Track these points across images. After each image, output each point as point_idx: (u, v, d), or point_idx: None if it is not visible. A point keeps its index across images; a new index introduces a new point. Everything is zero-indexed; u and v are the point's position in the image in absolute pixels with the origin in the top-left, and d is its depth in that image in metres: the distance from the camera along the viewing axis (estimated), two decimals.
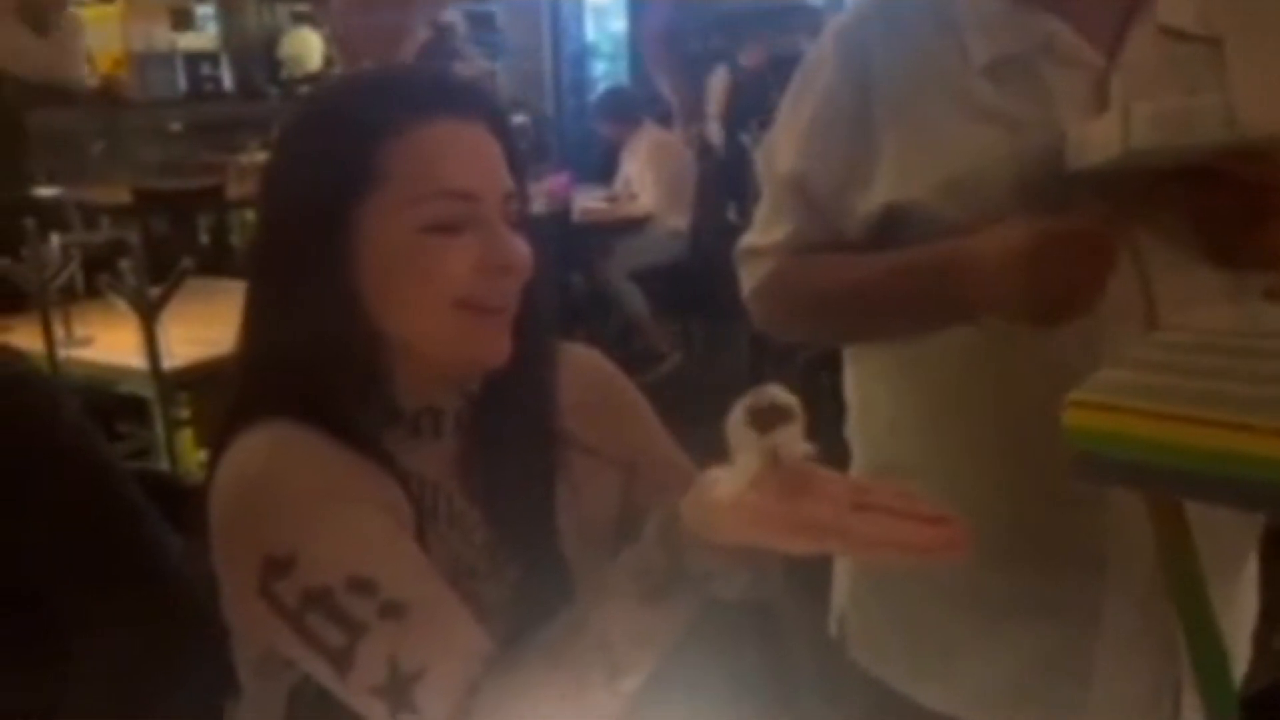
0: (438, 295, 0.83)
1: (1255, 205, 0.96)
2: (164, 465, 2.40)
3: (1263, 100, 0.96)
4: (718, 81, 5.80)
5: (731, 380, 4.54)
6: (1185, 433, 0.75)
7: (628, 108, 5.37)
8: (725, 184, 5.18)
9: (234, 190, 4.82)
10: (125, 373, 2.49)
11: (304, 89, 5.81)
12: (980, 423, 1.07)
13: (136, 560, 1.10)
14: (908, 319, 1.07)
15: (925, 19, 1.06)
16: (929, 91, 1.04)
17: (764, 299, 1.16)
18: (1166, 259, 1.00)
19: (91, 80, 4.84)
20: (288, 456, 0.81)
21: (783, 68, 1.21)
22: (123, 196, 4.52)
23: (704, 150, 5.62)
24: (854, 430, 1.21)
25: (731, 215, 5.16)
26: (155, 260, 2.36)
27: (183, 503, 1.06)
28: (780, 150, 1.14)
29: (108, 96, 5.40)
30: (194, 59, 6.07)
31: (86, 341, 2.64)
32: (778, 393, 0.65)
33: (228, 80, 6.29)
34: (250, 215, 4.69)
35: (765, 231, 1.15)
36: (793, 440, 0.64)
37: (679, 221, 5.07)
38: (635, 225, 5.11)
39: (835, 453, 0.69)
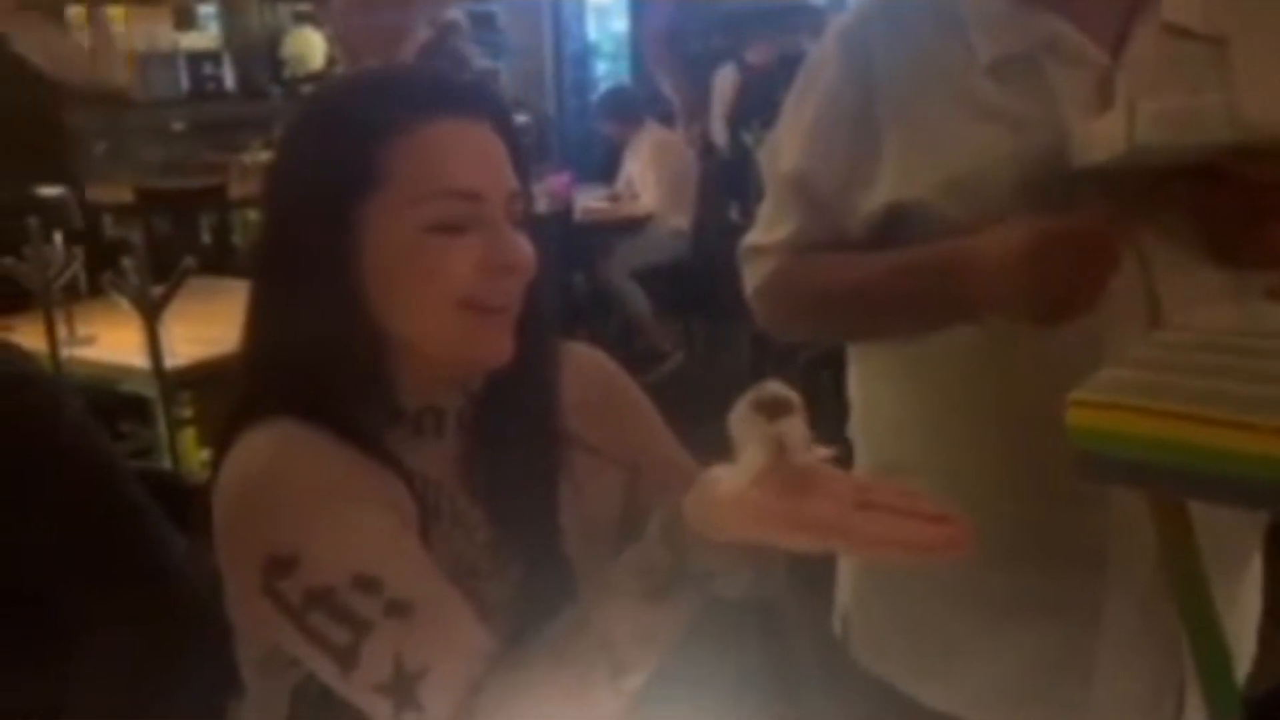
0: (441, 295, 0.83)
1: (1258, 204, 0.96)
2: (166, 464, 2.40)
3: (1266, 99, 0.96)
4: (725, 80, 5.78)
5: (733, 380, 4.53)
6: (1187, 431, 0.75)
7: (629, 107, 5.37)
8: (728, 183, 5.18)
9: (236, 190, 4.83)
10: (128, 372, 2.49)
11: (306, 88, 5.81)
12: (983, 422, 1.07)
13: (139, 559, 1.10)
14: (910, 318, 1.07)
15: (928, 19, 1.07)
16: (932, 91, 1.04)
17: (767, 298, 1.17)
18: (1170, 259, 1.00)
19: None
20: (291, 455, 0.82)
21: (790, 66, 1.21)
22: (125, 196, 4.53)
23: (706, 150, 5.62)
24: (857, 429, 1.21)
25: (734, 215, 5.15)
26: (157, 259, 2.36)
27: (186, 502, 1.06)
28: (783, 149, 1.14)
29: (110, 96, 5.42)
30: (196, 59, 6.08)
31: (89, 341, 2.64)
32: (778, 387, 0.66)
33: (230, 80, 6.29)
34: (252, 215, 4.69)
35: (768, 230, 1.15)
36: (796, 430, 0.65)
37: (681, 221, 5.07)
38: (637, 225, 5.11)
39: (838, 453, 0.70)
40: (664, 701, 0.82)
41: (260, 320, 0.88)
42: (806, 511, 0.64)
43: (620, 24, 7.91)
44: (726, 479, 0.67)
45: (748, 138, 5.03)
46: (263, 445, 0.82)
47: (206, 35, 6.33)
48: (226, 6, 6.44)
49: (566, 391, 0.95)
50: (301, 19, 6.51)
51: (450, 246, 0.83)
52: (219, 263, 4.06)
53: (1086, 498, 0.99)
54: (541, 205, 4.25)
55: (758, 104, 4.96)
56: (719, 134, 5.73)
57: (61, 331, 2.49)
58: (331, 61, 6.04)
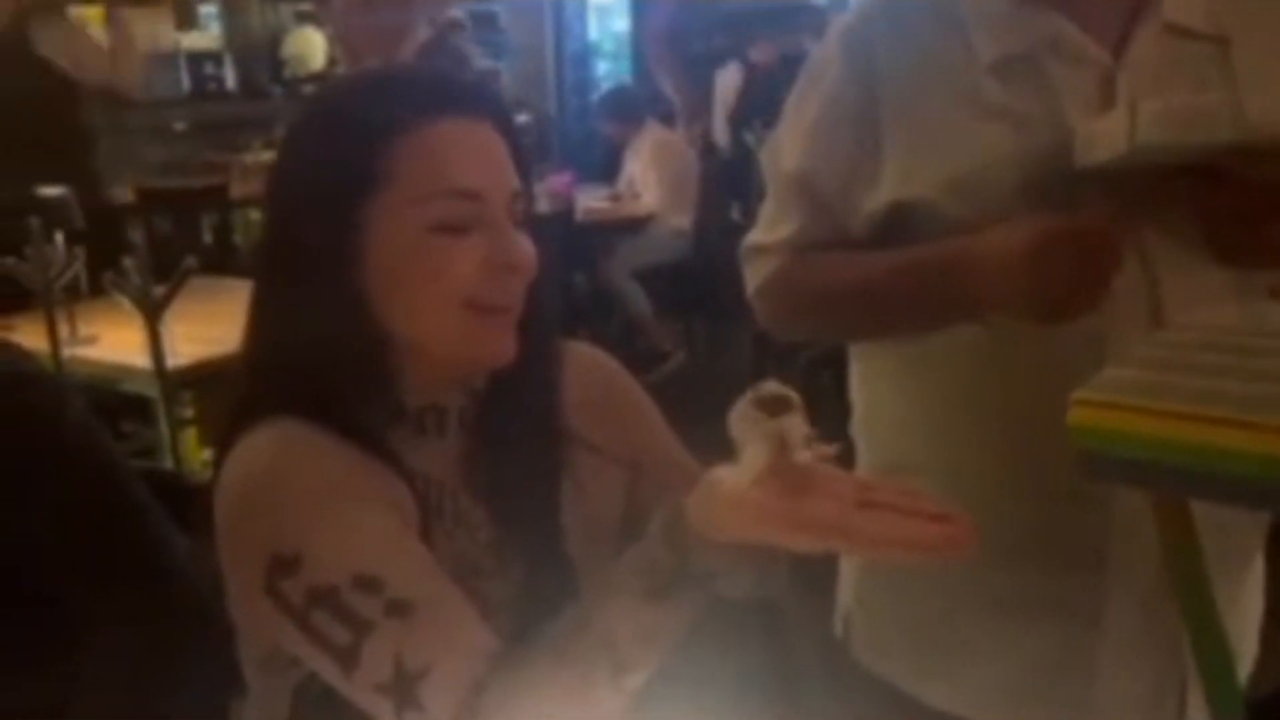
0: (444, 295, 0.83)
1: (1260, 204, 0.96)
2: (168, 464, 2.41)
3: (1268, 99, 0.96)
4: (730, 79, 5.78)
5: (734, 379, 4.53)
6: (1189, 431, 0.75)
7: (631, 107, 5.37)
8: (729, 183, 5.18)
9: (237, 189, 4.83)
10: (129, 371, 2.50)
11: (307, 88, 5.81)
12: (985, 421, 1.07)
13: (142, 559, 1.10)
14: (912, 317, 1.07)
15: (930, 18, 1.07)
16: (935, 90, 1.04)
17: (769, 297, 1.17)
18: (1172, 259, 1.00)
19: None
20: (293, 455, 0.82)
21: (793, 66, 1.22)
22: (126, 196, 4.53)
23: (707, 149, 5.61)
24: (859, 428, 1.21)
25: (735, 215, 5.15)
26: (159, 259, 2.36)
27: (188, 501, 1.06)
28: (785, 149, 1.14)
29: (111, 96, 5.44)
30: (197, 58, 6.07)
31: (91, 340, 2.64)
32: (778, 386, 0.66)
33: (231, 80, 6.29)
34: (254, 214, 4.70)
35: (770, 230, 1.15)
36: (796, 427, 0.65)
37: (682, 221, 5.06)
38: (638, 225, 5.11)
39: (839, 452, 0.70)
40: (666, 701, 0.82)
41: (263, 320, 0.88)
42: (808, 511, 0.64)
43: (621, 23, 7.91)
44: (729, 478, 0.67)
45: (749, 137, 5.03)
46: (265, 445, 0.82)
47: (208, 35, 6.32)
48: (228, 6, 6.44)
49: (568, 391, 0.95)
50: (303, 19, 6.51)
51: (453, 247, 0.83)
52: (220, 262, 4.07)
53: (1089, 497, 0.99)
54: (543, 205, 4.26)
55: (760, 104, 4.95)
56: (721, 134, 5.72)
57: (63, 331, 2.50)
58: (332, 61, 6.04)
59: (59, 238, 2.57)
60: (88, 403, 1.15)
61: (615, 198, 5.34)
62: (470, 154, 0.84)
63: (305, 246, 0.83)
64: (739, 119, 5.47)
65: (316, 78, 6.06)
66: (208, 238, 4.89)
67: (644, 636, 0.73)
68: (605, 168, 5.71)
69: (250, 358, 0.88)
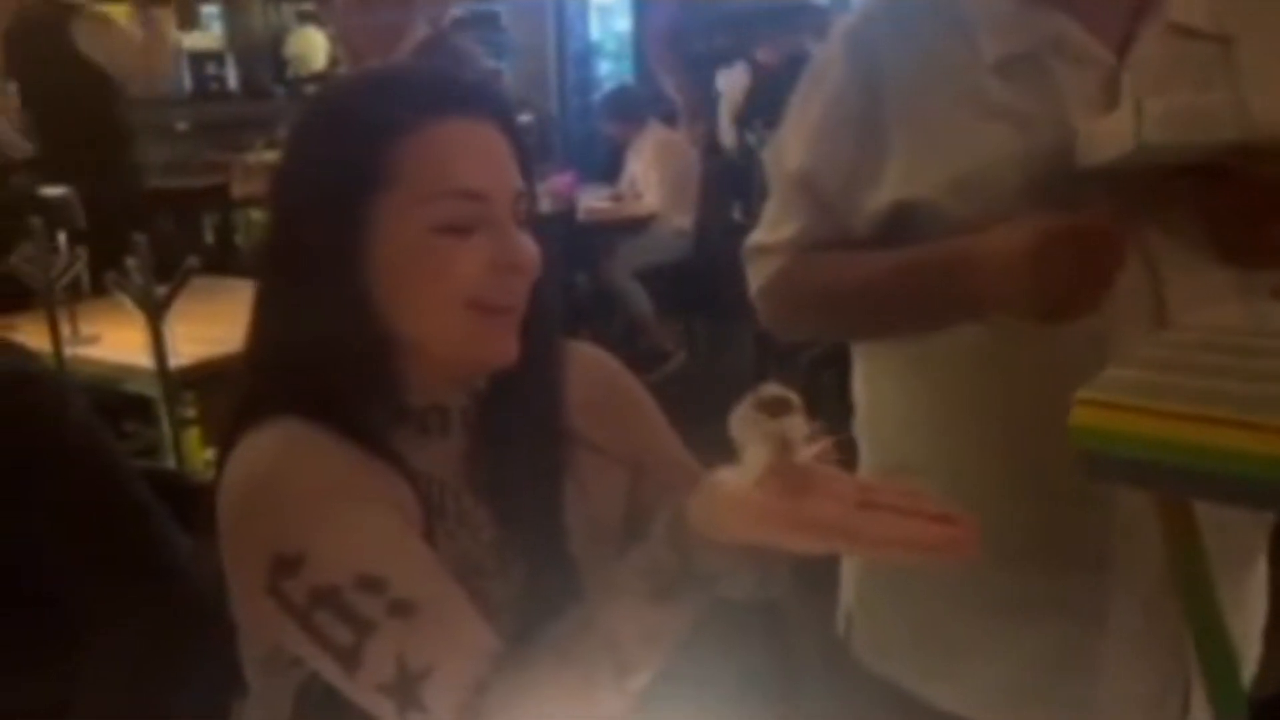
0: (448, 295, 0.83)
1: (1263, 203, 0.96)
2: (170, 464, 2.41)
3: (1272, 98, 0.96)
4: (737, 79, 5.77)
5: (735, 379, 4.54)
6: (1192, 431, 0.75)
7: (633, 107, 5.36)
8: (732, 183, 5.17)
9: (239, 189, 4.83)
10: (131, 371, 2.49)
11: (309, 88, 5.81)
12: (988, 421, 1.07)
13: (144, 558, 1.10)
14: (915, 317, 1.07)
15: (933, 18, 1.07)
16: (938, 89, 1.04)
17: (771, 297, 1.16)
18: (1176, 258, 1.00)
19: None
20: (296, 455, 0.82)
21: (799, 67, 1.22)
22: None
23: (711, 149, 5.61)
24: (862, 428, 1.21)
25: (737, 215, 5.15)
26: (160, 259, 2.36)
27: (190, 501, 1.06)
28: (789, 149, 1.14)
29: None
30: (199, 58, 6.07)
31: (93, 340, 2.64)
32: (777, 387, 0.66)
33: (233, 79, 6.29)
34: (255, 214, 4.70)
35: (773, 229, 1.15)
36: (798, 428, 0.65)
37: (683, 221, 5.06)
38: (640, 224, 5.10)
39: (841, 452, 0.70)
40: (668, 701, 0.82)
41: (266, 320, 0.88)
42: (809, 512, 0.64)
43: (623, 23, 7.90)
44: (731, 479, 0.67)
45: (750, 138, 5.02)
46: (267, 445, 0.82)
47: (209, 35, 6.33)
48: (229, 6, 6.44)
49: (570, 391, 0.95)
50: (304, 18, 6.51)
51: (457, 247, 0.83)
52: (222, 262, 4.07)
53: (1092, 498, 0.99)
54: (545, 205, 4.25)
55: (767, 104, 4.95)
56: (727, 134, 5.71)
57: (65, 331, 2.50)
58: (334, 61, 6.03)
59: (61, 237, 2.57)
60: (90, 402, 1.16)
61: (617, 198, 5.34)
62: (474, 154, 0.84)
63: (309, 246, 0.83)
64: (746, 119, 5.46)
65: (318, 77, 6.06)
66: (209, 237, 4.89)
67: (647, 637, 0.72)
68: (607, 168, 5.71)
69: (253, 357, 0.88)
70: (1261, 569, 1.16)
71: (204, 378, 2.44)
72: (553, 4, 7.42)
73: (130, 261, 2.26)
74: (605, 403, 0.99)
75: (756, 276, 1.18)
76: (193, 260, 2.29)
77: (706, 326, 5.20)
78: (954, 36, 1.04)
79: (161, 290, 2.26)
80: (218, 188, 4.92)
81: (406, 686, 0.74)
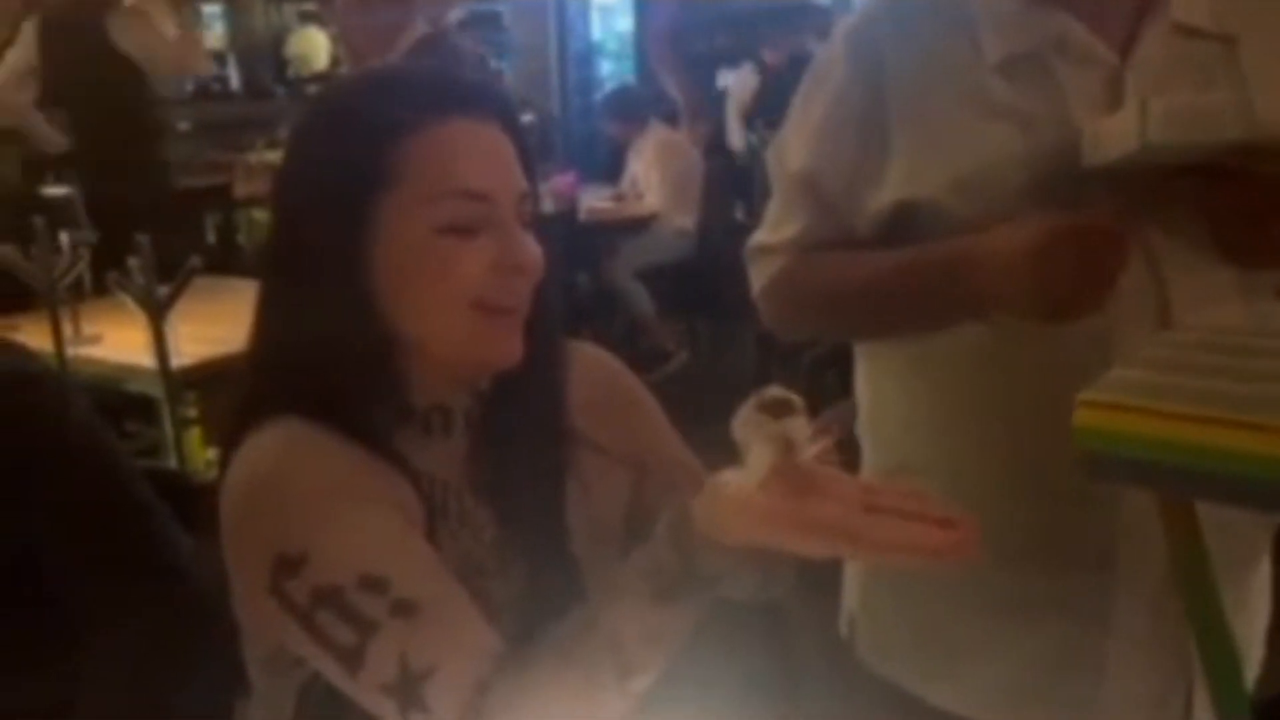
0: (452, 296, 0.83)
1: (1267, 202, 0.96)
2: (172, 464, 2.41)
3: (1276, 98, 0.96)
4: (744, 80, 5.76)
5: (737, 379, 4.54)
6: (1194, 432, 0.75)
7: (634, 107, 5.36)
8: (735, 183, 5.17)
9: (241, 189, 4.84)
10: (133, 371, 2.50)
11: (311, 88, 5.82)
12: (991, 421, 1.06)
13: (146, 558, 1.10)
14: (917, 316, 1.07)
15: (936, 18, 1.07)
16: (941, 89, 1.04)
17: (773, 296, 1.16)
18: (1179, 259, 1.00)
19: None
20: (299, 455, 0.82)
21: (804, 67, 1.22)
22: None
23: (710, 149, 5.61)
24: (865, 429, 1.21)
25: (738, 215, 5.15)
26: (162, 258, 2.36)
27: (192, 501, 1.06)
28: (791, 149, 1.14)
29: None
30: None
31: (95, 340, 2.64)
32: (779, 390, 0.66)
33: (234, 80, 6.30)
34: (257, 214, 4.70)
35: (775, 229, 1.15)
36: (800, 430, 0.65)
37: (685, 221, 5.06)
38: (641, 224, 5.10)
39: (842, 453, 0.70)
40: (670, 702, 0.82)
41: (269, 320, 0.88)
42: (813, 514, 0.64)
43: (625, 23, 7.90)
44: (735, 480, 0.67)
45: (752, 138, 5.02)
46: (270, 445, 0.82)
47: (211, 35, 6.33)
48: (231, 6, 6.45)
49: (573, 391, 0.95)
50: (306, 19, 6.52)
51: (461, 248, 0.83)
52: (224, 262, 4.07)
53: (1095, 498, 0.99)
54: (546, 205, 4.25)
55: (775, 105, 4.95)
56: (736, 135, 5.70)
57: (67, 330, 2.50)
58: (336, 61, 6.05)
59: (63, 236, 2.57)
60: (91, 402, 1.16)
61: (619, 198, 5.34)
62: (478, 155, 0.84)
63: (311, 246, 0.83)
64: (754, 120, 5.46)
65: (320, 77, 6.08)
66: (211, 237, 4.90)
67: (650, 638, 0.72)
68: (609, 167, 5.71)
69: (256, 357, 0.88)
70: (1264, 570, 1.16)
71: (206, 378, 2.44)
72: (554, 4, 7.42)
73: (132, 261, 2.26)
74: (607, 403, 0.99)
75: (759, 276, 1.18)
76: (195, 260, 2.29)
77: (708, 326, 5.20)
78: (956, 36, 1.04)
79: (163, 290, 2.26)
80: (220, 188, 4.92)
81: (408, 687, 0.74)
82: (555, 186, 4.78)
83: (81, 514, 1.07)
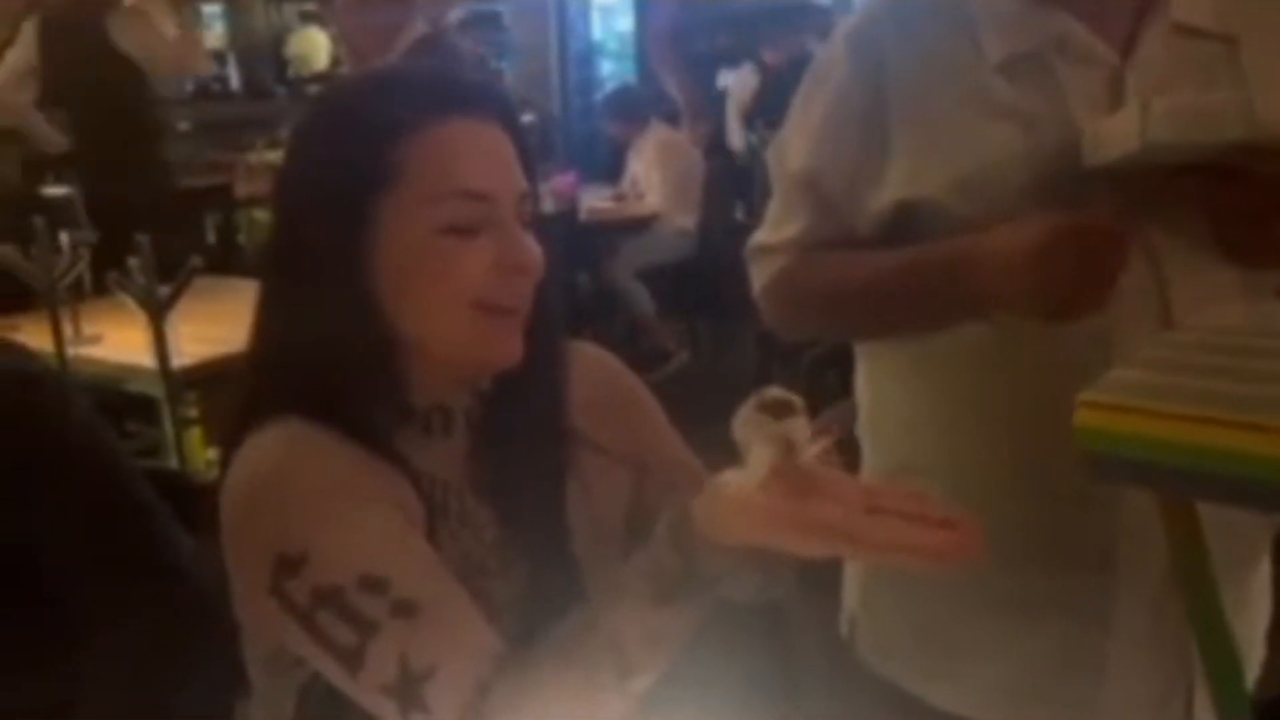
0: (454, 296, 0.83)
1: (1269, 202, 0.96)
2: (172, 464, 2.41)
3: (1277, 97, 0.95)
4: (745, 80, 5.76)
5: (738, 379, 4.54)
6: (1196, 433, 0.75)
7: (635, 107, 5.36)
8: (736, 183, 5.17)
9: (241, 189, 4.84)
10: (134, 371, 2.50)
11: (311, 88, 5.82)
12: (993, 421, 1.06)
13: (147, 557, 1.10)
14: (918, 316, 1.07)
15: (937, 18, 1.06)
16: (942, 89, 1.04)
17: (774, 296, 1.16)
18: (1181, 258, 1.00)
19: None
20: (300, 455, 0.82)
21: (805, 67, 1.22)
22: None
23: (711, 149, 5.61)
24: (865, 429, 1.21)
25: (739, 215, 5.15)
26: (162, 258, 2.36)
27: (193, 501, 1.06)
28: (792, 148, 1.14)
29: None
30: None
31: (95, 340, 2.64)
32: (780, 390, 0.66)
33: (235, 80, 6.30)
34: (258, 214, 4.70)
35: (776, 229, 1.15)
36: (801, 430, 0.65)
37: (686, 221, 5.06)
38: (642, 224, 5.10)
39: (843, 453, 0.70)
40: (671, 703, 0.82)
41: (270, 320, 0.88)
42: (814, 515, 0.63)
43: (625, 23, 7.90)
44: (736, 480, 0.67)
45: (752, 138, 5.02)
46: (271, 445, 0.82)
47: (211, 35, 6.33)
48: (231, 6, 6.45)
49: (574, 391, 0.95)
50: (307, 19, 6.52)
51: (463, 248, 0.83)
52: (224, 262, 4.07)
53: (1096, 499, 0.99)
54: (547, 205, 4.26)
55: (775, 105, 4.94)
56: (736, 136, 5.70)
57: (67, 331, 2.50)
58: (336, 61, 6.05)
59: (63, 237, 2.57)
60: (92, 402, 1.16)
61: (619, 197, 5.34)
62: (479, 155, 0.84)
63: (312, 246, 0.83)
64: (754, 121, 5.45)
65: (320, 77, 6.08)
66: (212, 237, 4.90)
67: (650, 639, 0.72)
68: (609, 167, 5.71)
69: (257, 357, 0.88)
70: (1265, 570, 1.15)
71: (206, 378, 2.44)
72: (554, 4, 7.41)
73: (132, 261, 2.26)
74: (608, 403, 0.99)
75: (759, 276, 1.17)
76: (196, 260, 2.29)
77: (709, 326, 5.20)
78: (957, 36, 1.04)
79: (164, 290, 2.26)
80: (220, 187, 4.92)
81: (409, 687, 0.74)
82: (556, 186, 4.78)
83: (82, 514, 1.07)
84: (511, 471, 0.90)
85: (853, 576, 1.25)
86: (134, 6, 3.81)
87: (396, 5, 2.67)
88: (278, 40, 6.54)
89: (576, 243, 4.80)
